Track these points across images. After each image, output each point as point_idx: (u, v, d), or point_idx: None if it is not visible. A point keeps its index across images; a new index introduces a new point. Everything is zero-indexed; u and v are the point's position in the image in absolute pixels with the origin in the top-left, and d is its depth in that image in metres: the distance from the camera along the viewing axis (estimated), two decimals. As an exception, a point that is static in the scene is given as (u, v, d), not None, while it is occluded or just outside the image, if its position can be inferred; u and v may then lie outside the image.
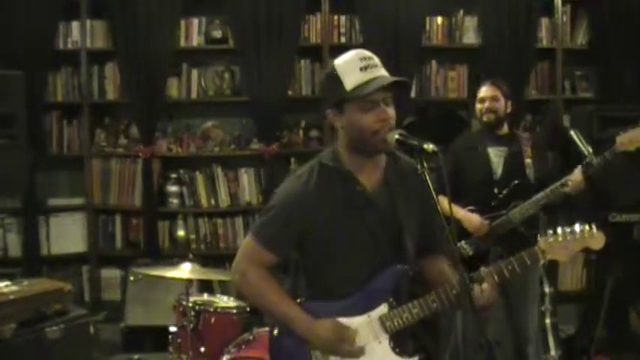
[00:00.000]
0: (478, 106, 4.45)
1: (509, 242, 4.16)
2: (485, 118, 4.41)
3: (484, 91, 4.44)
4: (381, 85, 2.44)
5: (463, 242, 4.31)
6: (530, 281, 4.40)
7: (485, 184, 4.35)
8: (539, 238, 2.60)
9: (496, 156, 4.39)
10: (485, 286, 2.47)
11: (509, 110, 4.45)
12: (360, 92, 2.45)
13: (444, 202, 4.41)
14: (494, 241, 4.23)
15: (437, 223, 2.37)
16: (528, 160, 4.33)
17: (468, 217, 4.31)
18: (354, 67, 2.48)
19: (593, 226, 2.58)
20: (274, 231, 2.64)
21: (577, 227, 2.57)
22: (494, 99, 4.39)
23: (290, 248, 2.69)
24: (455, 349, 4.49)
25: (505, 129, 4.47)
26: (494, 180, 4.35)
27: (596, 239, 2.59)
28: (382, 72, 2.49)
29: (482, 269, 2.54)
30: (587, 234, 2.57)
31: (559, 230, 2.57)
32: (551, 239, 2.57)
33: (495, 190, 4.31)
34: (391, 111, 2.49)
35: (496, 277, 2.53)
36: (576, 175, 4.09)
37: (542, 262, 2.61)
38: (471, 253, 4.31)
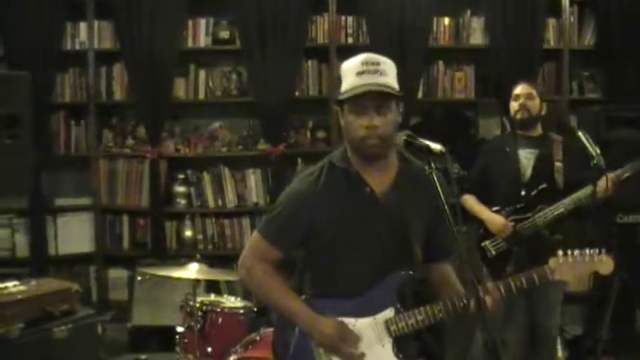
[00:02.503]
0: (513, 104, 4.44)
1: (532, 245, 4.17)
2: (518, 115, 4.39)
3: (519, 88, 4.43)
4: (360, 92, 2.47)
5: (487, 242, 4.31)
6: (556, 288, 4.37)
7: (513, 186, 4.33)
8: (550, 259, 2.61)
9: (526, 158, 4.37)
10: (487, 299, 2.48)
11: (543, 112, 4.44)
12: (345, 95, 2.52)
13: (468, 200, 4.46)
14: (517, 243, 4.22)
15: (444, 227, 2.38)
16: (558, 164, 4.31)
17: (492, 217, 4.30)
18: (353, 70, 2.53)
19: (603, 252, 2.62)
20: (280, 228, 2.68)
21: (587, 251, 2.61)
22: (528, 97, 4.37)
23: (295, 246, 2.73)
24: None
25: (538, 130, 4.45)
26: (522, 182, 4.33)
27: (605, 265, 2.62)
28: (378, 79, 2.49)
29: (489, 283, 2.56)
30: (596, 258, 2.62)
31: (569, 252, 2.60)
32: (561, 260, 2.60)
33: (523, 192, 4.30)
34: (380, 120, 2.49)
35: (503, 291, 2.55)
36: (602, 182, 4.08)
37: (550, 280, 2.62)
38: (494, 253, 4.31)
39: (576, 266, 2.60)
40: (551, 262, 2.60)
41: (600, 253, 2.61)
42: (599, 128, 5.25)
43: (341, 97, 2.54)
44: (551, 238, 4.22)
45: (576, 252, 2.60)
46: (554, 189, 4.27)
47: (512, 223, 4.26)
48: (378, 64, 2.52)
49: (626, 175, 4.17)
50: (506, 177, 4.37)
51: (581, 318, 5.65)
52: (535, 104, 4.38)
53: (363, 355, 2.56)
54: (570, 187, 4.25)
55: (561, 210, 4.19)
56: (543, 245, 4.16)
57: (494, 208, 4.33)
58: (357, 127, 2.51)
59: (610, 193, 4.09)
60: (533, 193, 4.28)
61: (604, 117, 5.33)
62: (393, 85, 2.52)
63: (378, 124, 2.48)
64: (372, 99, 2.47)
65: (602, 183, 4.07)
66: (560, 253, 2.60)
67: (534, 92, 4.40)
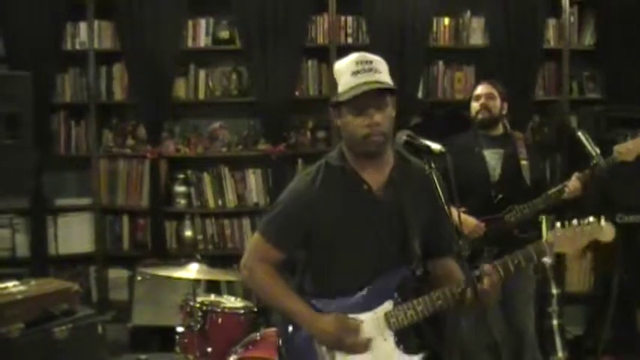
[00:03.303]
0: (474, 104, 4.44)
1: (503, 244, 4.17)
2: (479, 116, 4.39)
3: (480, 88, 4.44)
4: (361, 91, 2.47)
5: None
6: (527, 281, 4.39)
7: (483, 186, 4.32)
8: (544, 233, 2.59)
9: (492, 158, 4.37)
10: (485, 282, 2.48)
11: (504, 112, 4.44)
12: (345, 97, 2.51)
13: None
14: (488, 243, 4.22)
15: (445, 225, 2.39)
16: (524, 162, 4.33)
17: (464, 219, 4.29)
18: (348, 70, 2.54)
19: (602, 219, 2.57)
20: (280, 228, 2.70)
21: (586, 220, 2.57)
22: (489, 96, 4.38)
23: (295, 245, 2.74)
24: (460, 348, 4.48)
25: (500, 129, 4.46)
26: (491, 182, 4.34)
27: (606, 231, 2.58)
28: (374, 77, 2.51)
29: (486, 265, 2.54)
30: (595, 226, 2.56)
31: (567, 224, 2.56)
32: (559, 233, 2.56)
33: (492, 193, 4.30)
34: (381, 116, 2.51)
35: (501, 272, 2.55)
36: (574, 181, 4.11)
37: (548, 255, 2.59)
38: (465, 254, 4.30)
39: (575, 237, 2.56)
40: (549, 234, 2.57)
41: (599, 220, 2.57)
42: (599, 128, 5.25)
43: (342, 99, 2.53)
44: (522, 237, 4.22)
45: (574, 222, 2.56)
46: (523, 188, 4.28)
47: (483, 224, 4.25)
48: (370, 62, 2.54)
49: (596, 173, 4.15)
50: (476, 178, 4.33)
51: (581, 318, 5.65)
52: (496, 104, 4.38)
53: (366, 342, 2.57)
54: (537, 185, 4.28)
55: (531, 209, 4.20)
56: (514, 244, 4.17)
57: (463, 209, 4.32)
58: (358, 126, 2.51)
59: (580, 193, 4.12)
60: (504, 192, 4.28)
61: (604, 117, 5.34)
62: (388, 82, 2.54)
63: (380, 120, 2.50)
64: (371, 97, 2.49)
65: (571, 183, 4.09)
66: (558, 224, 2.57)
67: (495, 92, 4.40)
